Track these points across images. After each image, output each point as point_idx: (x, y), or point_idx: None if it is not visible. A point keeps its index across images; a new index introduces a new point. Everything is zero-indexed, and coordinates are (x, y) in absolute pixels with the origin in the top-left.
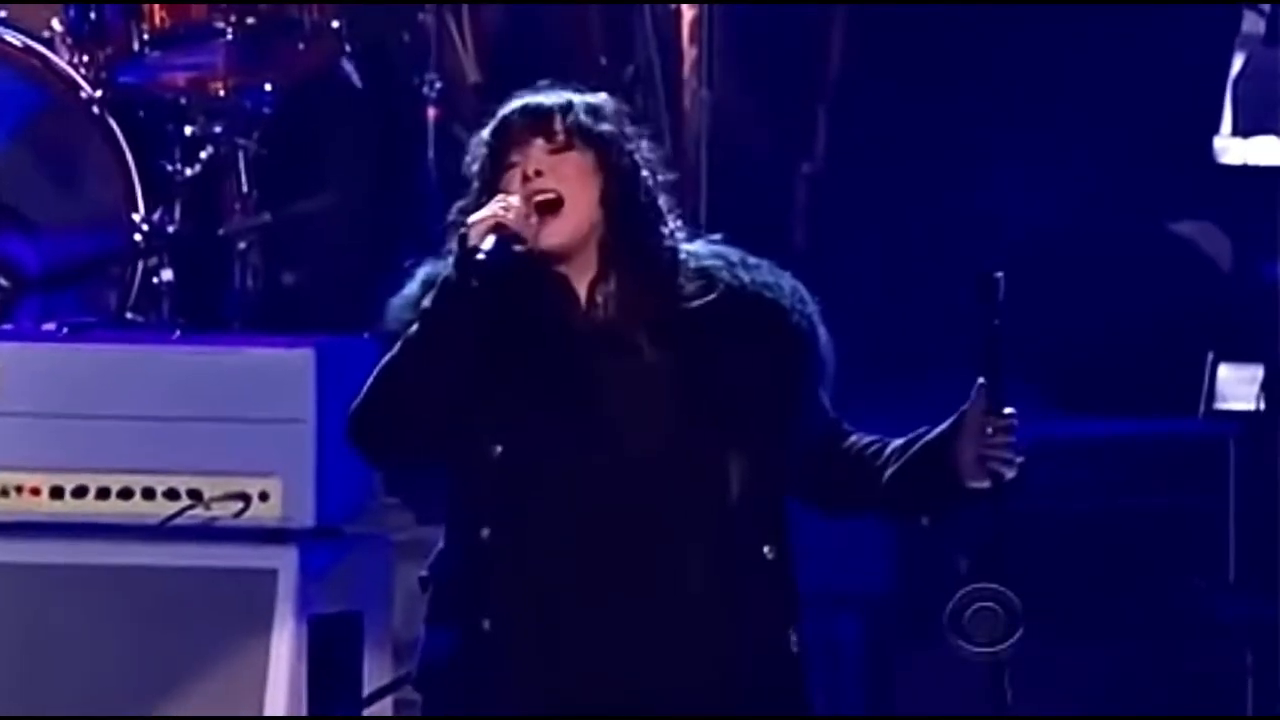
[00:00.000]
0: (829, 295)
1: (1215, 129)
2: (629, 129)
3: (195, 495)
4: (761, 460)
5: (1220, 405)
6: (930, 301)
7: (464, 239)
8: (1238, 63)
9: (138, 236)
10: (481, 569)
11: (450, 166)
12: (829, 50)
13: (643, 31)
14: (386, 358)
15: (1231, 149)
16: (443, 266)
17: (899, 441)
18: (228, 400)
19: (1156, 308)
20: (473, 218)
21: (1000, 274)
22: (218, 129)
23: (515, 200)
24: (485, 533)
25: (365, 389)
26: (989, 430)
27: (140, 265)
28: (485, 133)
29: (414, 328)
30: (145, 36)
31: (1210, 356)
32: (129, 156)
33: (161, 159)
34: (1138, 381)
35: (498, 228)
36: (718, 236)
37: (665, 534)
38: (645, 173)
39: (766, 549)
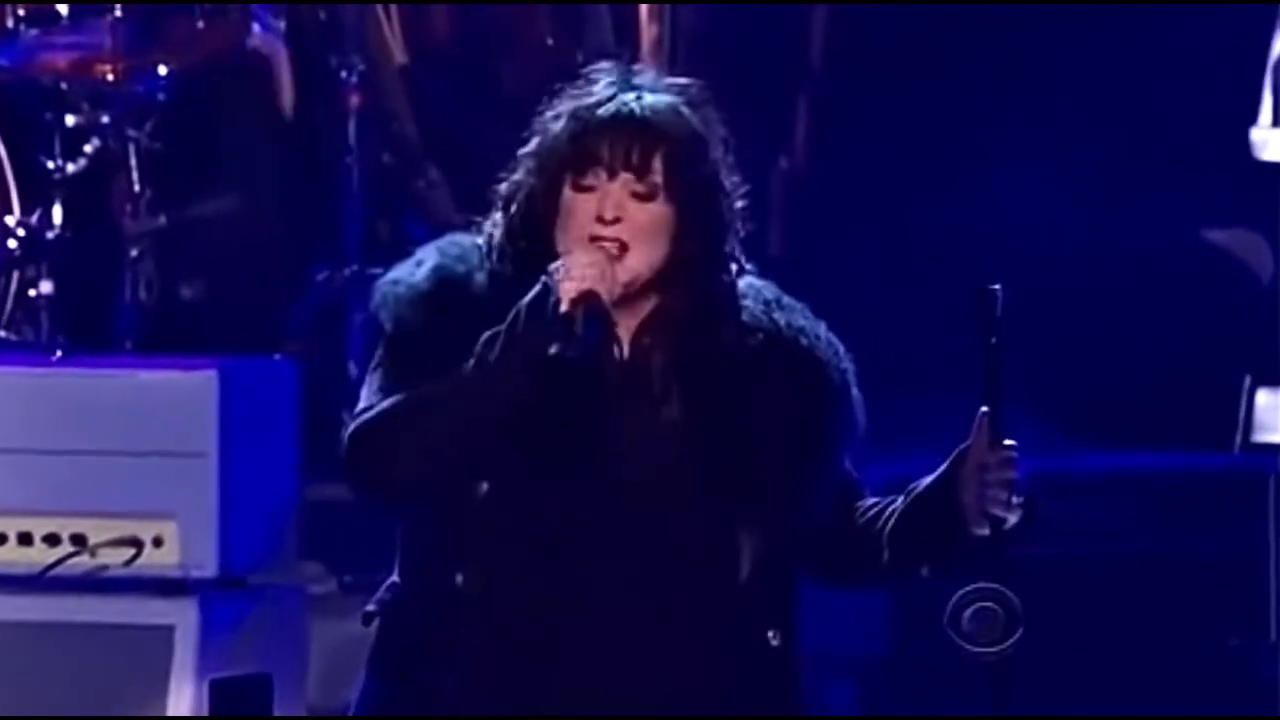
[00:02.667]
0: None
1: (1252, 120)
2: (717, 152)
3: (79, 541)
4: (776, 536)
5: (1259, 437)
6: (922, 314)
7: (555, 304)
8: (1277, 45)
9: (12, 243)
10: (450, 619)
11: (374, 160)
12: (811, 33)
13: (595, 8)
14: (420, 397)
15: (1271, 142)
16: (451, 260)
17: (901, 497)
18: (117, 430)
19: (1185, 325)
20: (560, 277)
21: (999, 286)
22: (105, 119)
23: (599, 258)
24: (459, 579)
25: (382, 418)
26: (985, 467)
27: (15, 275)
28: (564, 128)
29: (464, 380)
30: (20, 12)
31: (1247, 381)
32: (1, 150)
33: (40, 153)
34: (1164, 410)
35: (589, 296)
36: (750, 266)
37: (659, 610)
38: (726, 217)
39: (771, 634)
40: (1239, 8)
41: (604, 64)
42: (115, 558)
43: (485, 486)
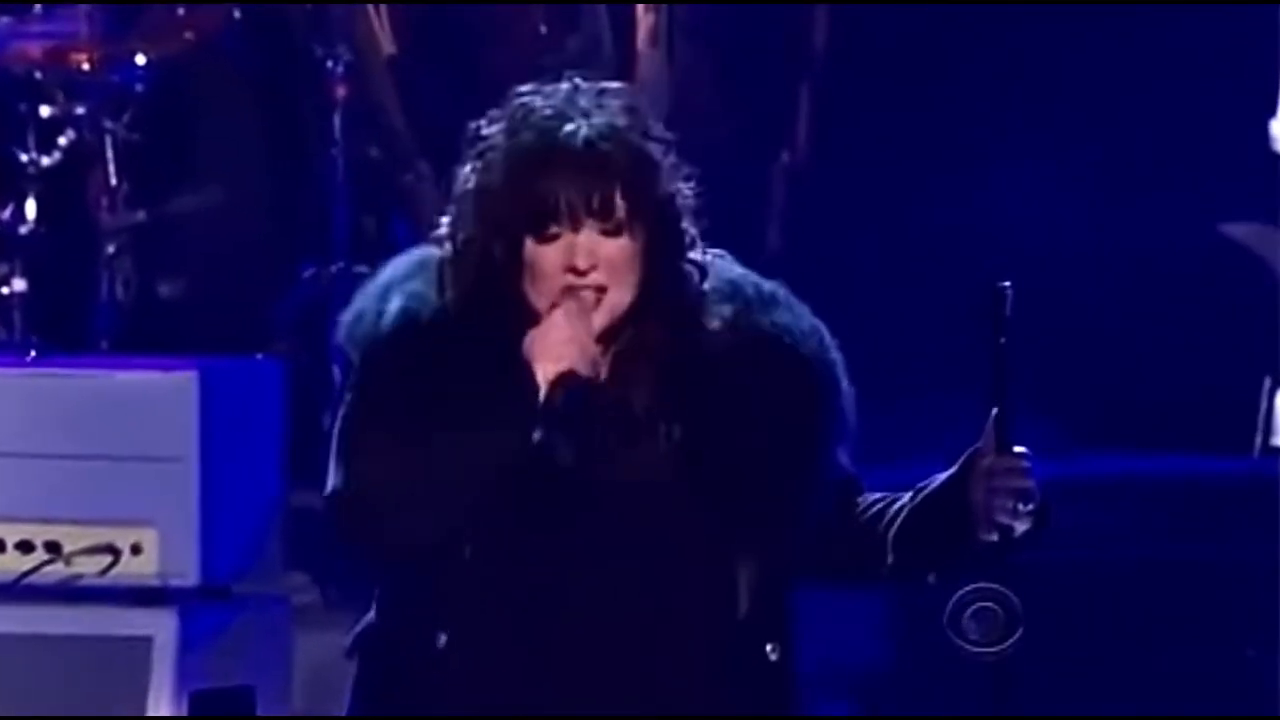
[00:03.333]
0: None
1: (1270, 111)
2: (669, 160)
3: (54, 548)
4: (774, 555)
5: (1279, 440)
6: (923, 313)
7: (534, 387)
8: None
9: None
10: (433, 680)
11: (361, 154)
12: (812, 27)
13: None
14: (406, 466)
15: None
16: (416, 303)
17: (907, 495)
18: (94, 434)
19: (1202, 325)
20: (536, 355)
21: (1009, 284)
22: (81, 110)
23: (576, 332)
24: (441, 640)
25: (370, 489)
26: (993, 473)
27: None
28: (510, 182)
29: (449, 452)
30: None
31: (1267, 382)
32: None
33: (13, 145)
34: (1180, 412)
35: (568, 376)
36: (721, 252)
37: (655, 634)
38: (685, 224)
39: (770, 648)
40: (1240, 7)
41: (524, 88)
42: (91, 566)
43: (468, 549)
